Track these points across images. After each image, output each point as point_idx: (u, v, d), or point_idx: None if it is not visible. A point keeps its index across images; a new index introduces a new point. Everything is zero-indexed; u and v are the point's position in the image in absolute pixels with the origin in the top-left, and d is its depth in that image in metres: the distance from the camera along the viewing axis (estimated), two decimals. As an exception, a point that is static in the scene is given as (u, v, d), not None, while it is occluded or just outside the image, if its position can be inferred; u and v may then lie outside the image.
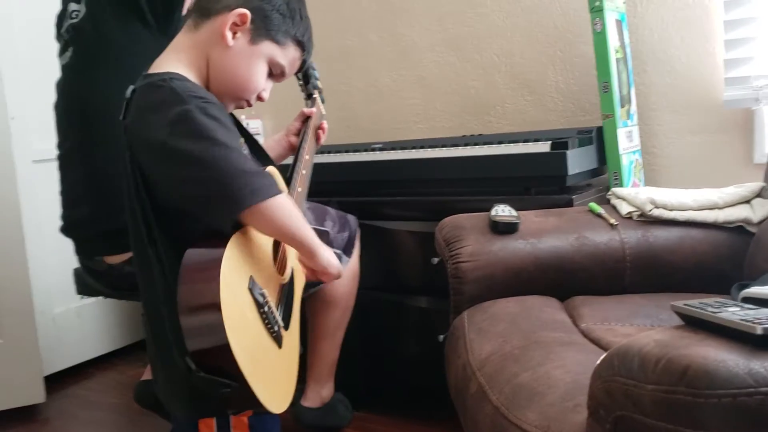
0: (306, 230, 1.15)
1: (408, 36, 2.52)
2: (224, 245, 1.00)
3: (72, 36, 1.63)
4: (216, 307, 0.94)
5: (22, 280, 2.31)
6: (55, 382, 2.52)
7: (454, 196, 1.93)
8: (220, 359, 0.94)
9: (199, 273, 0.98)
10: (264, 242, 1.15)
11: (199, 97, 1.07)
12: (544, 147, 1.77)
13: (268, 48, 1.21)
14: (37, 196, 2.49)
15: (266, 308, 1.07)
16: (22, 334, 2.31)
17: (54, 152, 2.40)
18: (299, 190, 1.34)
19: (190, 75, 1.16)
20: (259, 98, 1.25)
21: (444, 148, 1.97)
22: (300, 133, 1.55)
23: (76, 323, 2.67)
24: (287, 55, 1.24)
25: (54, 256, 2.50)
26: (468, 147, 1.93)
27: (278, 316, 1.13)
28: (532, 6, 2.23)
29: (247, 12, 1.17)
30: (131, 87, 1.14)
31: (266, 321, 1.07)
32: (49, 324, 2.55)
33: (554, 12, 2.19)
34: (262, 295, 1.06)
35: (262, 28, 1.19)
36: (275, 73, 1.25)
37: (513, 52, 2.29)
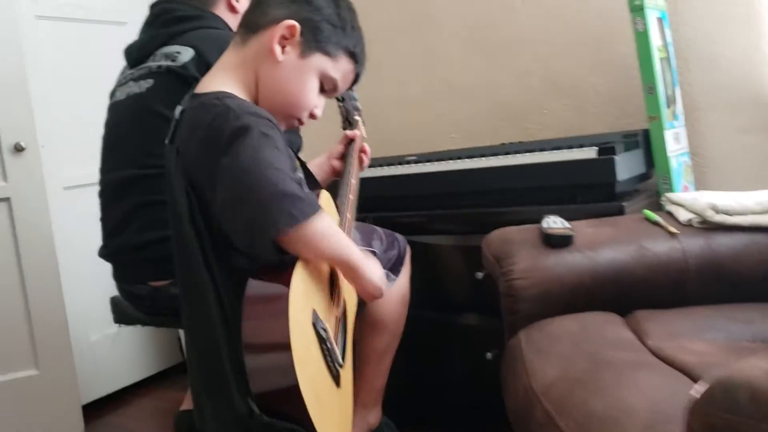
0: (350, 251, 1.08)
1: (438, 44, 2.46)
2: (288, 275, 0.94)
3: (160, 73, 1.57)
4: (285, 346, 0.87)
5: (57, 309, 2.29)
6: (93, 410, 2.49)
7: (496, 207, 1.86)
8: (287, 402, 0.88)
9: (264, 307, 0.92)
10: (323, 270, 1.08)
11: (256, 115, 1.01)
12: (590, 153, 1.69)
13: (319, 61, 1.15)
14: (69, 222, 2.47)
15: (328, 344, 1.01)
16: (59, 364, 2.28)
17: (85, 179, 2.41)
18: (348, 216, 1.28)
19: (240, 93, 1.11)
20: (312, 116, 1.19)
21: (483, 158, 1.90)
22: (343, 157, 1.49)
23: (111, 350, 2.64)
24: (339, 68, 1.18)
25: (88, 283, 2.48)
26: (509, 156, 1.85)
27: (338, 352, 1.07)
28: (565, 8, 2.16)
29: (296, 24, 1.12)
30: (179, 108, 1.09)
31: (327, 358, 1.01)
32: (85, 352, 2.52)
33: (590, 13, 2.12)
34: (324, 330, 1.00)
35: (312, 40, 1.13)
36: (327, 88, 1.19)
37: (548, 57, 2.22)
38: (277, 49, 1.11)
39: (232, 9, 1.72)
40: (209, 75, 1.16)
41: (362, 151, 1.52)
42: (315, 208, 0.98)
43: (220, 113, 1.00)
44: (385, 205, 2.02)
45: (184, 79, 1.51)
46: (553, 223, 1.42)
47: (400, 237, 1.83)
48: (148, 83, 1.59)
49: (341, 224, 1.23)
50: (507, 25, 2.28)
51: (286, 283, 0.92)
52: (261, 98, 1.14)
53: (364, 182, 2.01)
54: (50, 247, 2.28)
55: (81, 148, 2.46)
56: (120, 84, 1.69)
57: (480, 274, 1.76)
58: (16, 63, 2.24)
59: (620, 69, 2.09)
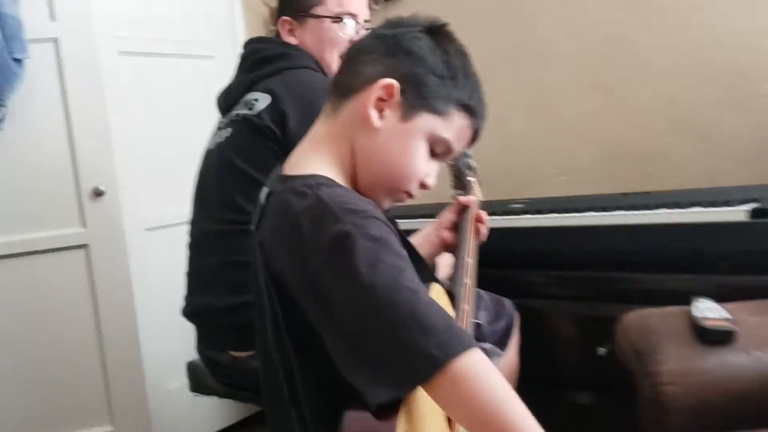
0: (514, 415, 0.71)
1: (545, 77, 2.22)
2: (395, 415, 0.73)
3: (238, 122, 1.49)
4: None
5: (134, 361, 2.19)
6: (170, 461, 2.36)
7: (621, 272, 1.61)
8: None
9: None
10: (437, 413, 0.87)
11: (357, 211, 0.80)
12: (738, 214, 1.43)
13: (426, 122, 0.93)
14: (149, 264, 2.36)
15: None
16: (134, 420, 2.17)
17: (166, 219, 2.30)
18: (466, 308, 1.04)
19: (335, 172, 0.92)
20: (423, 186, 0.97)
21: (605, 212, 1.66)
22: (455, 227, 1.26)
23: (190, 398, 2.51)
24: (452, 127, 0.95)
25: (167, 328, 2.35)
26: (636, 212, 1.60)
27: None
28: (699, 40, 1.89)
29: (394, 82, 0.91)
30: (265, 189, 0.91)
31: None
32: (162, 401, 2.40)
33: (729, 46, 1.84)
34: None
35: (415, 98, 0.92)
36: (439, 151, 0.96)
37: (676, 93, 1.95)
38: (373, 114, 0.92)
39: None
40: (299, 149, 0.97)
41: (478, 219, 1.28)
42: (464, 344, 0.71)
43: (311, 207, 0.81)
44: (488, 260, 1.80)
45: (258, 128, 1.41)
46: (708, 310, 1.17)
47: (507, 303, 1.61)
48: (227, 132, 1.50)
49: (457, 318, 1.00)
50: (626, 56, 2.03)
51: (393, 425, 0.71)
52: (360, 173, 0.95)
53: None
54: (128, 297, 2.19)
55: (163, 187, 2.35)
56: (214, 132, 1.61)
57: (602, 350, 1.55)
58: (98, 106, 2.17)
59: (764, 109, 1.80)
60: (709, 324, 1.12)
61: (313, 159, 0.93)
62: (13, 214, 2.11)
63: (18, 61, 2.00)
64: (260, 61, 1.53)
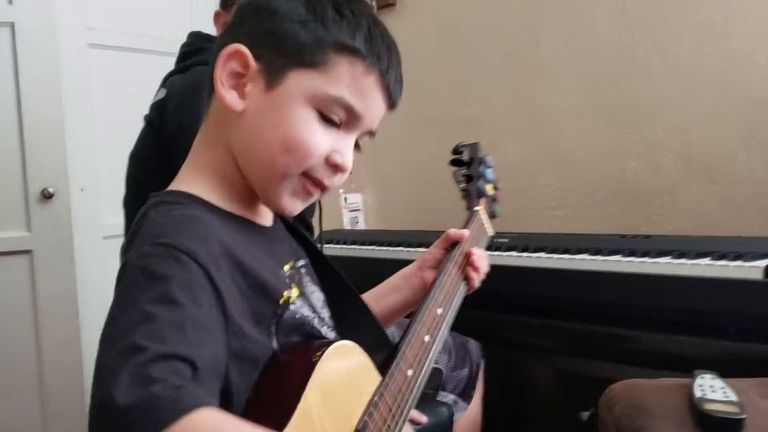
0: None
1: (544, 102, 2.02)
2: None
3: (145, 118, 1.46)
4: None
5: (75, 377, 2.02)
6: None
7: (612, 327, 1.41)
8: None
9: None
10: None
11: (160, 243, 0.63)
12: (752, 271, 1.23)
13: (299, 81, 0.72)
14: (105, 276, 2.17)
15: None
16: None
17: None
18: (409, 373, 0.77)
19: (212, 185, 0.75)
20: (334, 166, 0.75)
21: (599, 257, 1.46)
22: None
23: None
24: (337, 79, 0.73)
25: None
26: (634, 259, 1.40)
27: None
28: (716, 69, 1.69)
29: (239, 46, 0.72)
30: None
31: None
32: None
33: (749, 77, 1.64)
34: None
35: (277, 57, 0.73)
36: (338, 116, 0.74)
37: (688, 127, 1.74)
38: (230, 95, 0.73)
39: None
40: (183, 167, 0.78)
41: (470, 263, 0.99)
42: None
43: (133, 229, 0.70)
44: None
45: (147, 124, 1.41)
46: (712, 390, 0.96)
47: (474, 346, 1.44)
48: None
49: (381, 389, 0.75)
50: (635, 80, 1.83)
51: None
52: (248, 176, 0.75)
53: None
54: (73, 310, 2.03)
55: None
56: None
57: (585, 414, 1.39)
58: (54, 100, 2.03)
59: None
60: (713, 410, 0.91)
61: (186, 172, 0.76)
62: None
63: (-34, 45, 1.83)
64: (182, 56, 1.46)
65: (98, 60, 2.20)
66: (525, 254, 1.58)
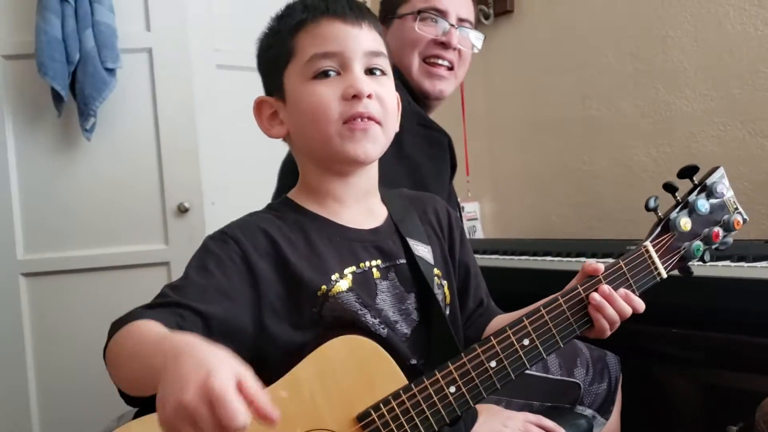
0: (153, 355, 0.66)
1: (675, 104, 1.94)
2: None
3: None
4: None
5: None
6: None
7: (761, 337, 1.32)
8: None
9: None
10: None
11: (224, 231, 0.89)
12: None
13: (293, 77, 0.91)
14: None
15: None
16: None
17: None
18: (451, 390, 0.82)
19: (301, 193, 0.97)
20: (354, 97, 0.87)
21: (743, 264, 1.38)
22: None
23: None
24: (305, 46, 0.90)
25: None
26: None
27: None
28: None
29: (257, 98, 0.97)
30: None
31: None
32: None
33: None
34: None
35: (272, 82, 0.95)
36: (327, 67, 0.89)
37: None
38: (274, 130, 0.96)
39: None
40: None
41: (589, 301, 0.91)
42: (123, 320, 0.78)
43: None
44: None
45: None
46: None
47: (612, 360, 1.38)
48: None
49: (400, 390, 0.80)
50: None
51: None
52: (322, 160, 0.93)
53: (564, 276, 1.53)
54: None
55: (249, 206, 2.25)
56: None
57: (734, 429, 1.30)
58: (188, 119, 2.13)
59: None
60: None
61: (297, 183, 0.99)
62: (96, 227, 2.07)
63: (110, 70, 1.96)
64: None
65: (225, 80, 2.29)
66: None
